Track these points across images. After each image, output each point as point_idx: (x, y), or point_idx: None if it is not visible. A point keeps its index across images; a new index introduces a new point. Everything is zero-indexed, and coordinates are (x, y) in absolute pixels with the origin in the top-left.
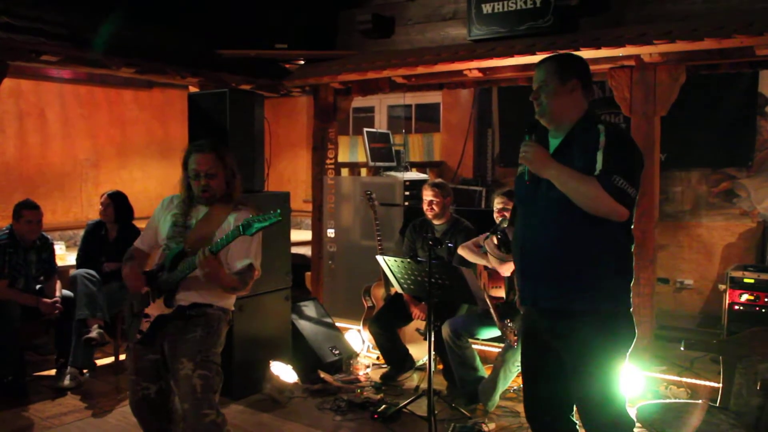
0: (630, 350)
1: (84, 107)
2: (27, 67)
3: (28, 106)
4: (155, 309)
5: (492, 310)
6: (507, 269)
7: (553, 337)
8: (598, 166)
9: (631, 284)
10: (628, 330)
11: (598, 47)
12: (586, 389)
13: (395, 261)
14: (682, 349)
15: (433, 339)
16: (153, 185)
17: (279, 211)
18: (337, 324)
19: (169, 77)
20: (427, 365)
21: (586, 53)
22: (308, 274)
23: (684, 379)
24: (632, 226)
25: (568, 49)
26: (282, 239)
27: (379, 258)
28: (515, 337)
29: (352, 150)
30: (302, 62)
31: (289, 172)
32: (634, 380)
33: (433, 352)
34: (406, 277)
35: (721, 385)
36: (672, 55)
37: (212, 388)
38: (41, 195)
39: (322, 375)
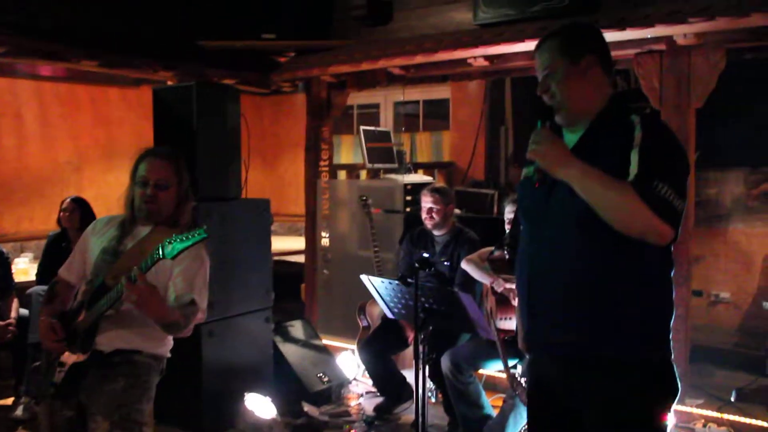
0: (671, 410)
1: (65, 106)
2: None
3: (2, 105)
4: (70, 356)
5: (499, 347)
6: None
7: (570, 394)
8: (633, 168)
9: (672, 323)
10: (668, 384)
11: (623, 28)
12: None
13: (382, 282)
14: (732, 400)
15: (427, 372)
16: None
17: (204, 227)
18: (333, 343)
19: (140, 71)
20: (416, 409)
21: (608, 35)
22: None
23: (725, 416)
24: (672, 249)
25: None
26: (260, 252)
27: (364, 278)
28: (525, 396)
29: (356, 150)
30: (293, 54)
31: (291, 175)
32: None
33: (431, 384)
34: (395, 300)
35: None
36: (710, 35)
37: None
38: (18, 201)
39: (306, 408)
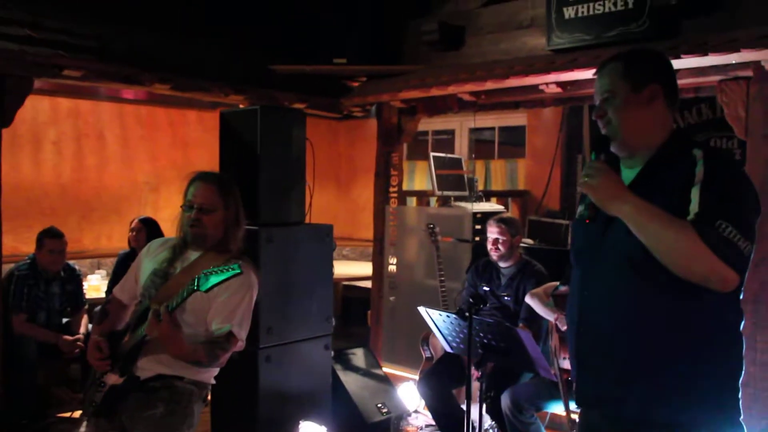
0: None
1: (145, 128)
2: (85, 87)
3: (86, 126)
4: (111, 376)
5: (561, 388)
6: None
7: None
8: (694, 207)
9: (740, 381)
10: None
11: (705, 53)
12: None
13: (440, 315)
14: None
15: (486, 409)
16: None
17: (239, 264)
18: (395, 372)
19: (211, 94)
20: None
21: (688, 61)
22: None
23: None
24: (741, 296)
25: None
26: (322, 278)
27: (422, 310)
28: None
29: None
30: (365, 79)
31: (364, 199)
32: None
33: (491, 421)
34: (454, 334)
35: None
36: None
37: None
38: (97, 219)
39: None
